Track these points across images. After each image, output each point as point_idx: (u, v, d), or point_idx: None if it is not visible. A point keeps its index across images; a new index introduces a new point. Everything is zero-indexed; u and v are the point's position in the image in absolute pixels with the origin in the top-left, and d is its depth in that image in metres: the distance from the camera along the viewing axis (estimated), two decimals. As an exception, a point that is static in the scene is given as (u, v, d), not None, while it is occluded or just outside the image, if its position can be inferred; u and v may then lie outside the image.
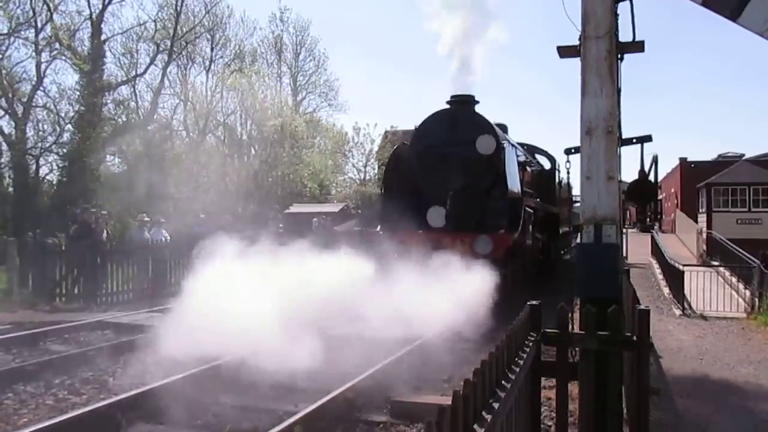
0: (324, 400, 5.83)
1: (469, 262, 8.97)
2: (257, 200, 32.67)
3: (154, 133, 32.44)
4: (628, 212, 46.33)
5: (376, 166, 37.89)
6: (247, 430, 5.71)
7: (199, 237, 14.79)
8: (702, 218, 30.37)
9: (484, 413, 2.47)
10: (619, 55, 5.40)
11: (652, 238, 23.08)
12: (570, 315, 7.22)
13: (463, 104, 12.27)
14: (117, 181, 29.67)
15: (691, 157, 38.63)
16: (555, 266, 16.90)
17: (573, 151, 11.84)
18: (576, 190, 16.02)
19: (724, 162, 35.45)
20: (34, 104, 28.38)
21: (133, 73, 32.21)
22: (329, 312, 7.89)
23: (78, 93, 29.34)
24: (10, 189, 27.73)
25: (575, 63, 5.40)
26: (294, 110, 38.10)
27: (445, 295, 7.90)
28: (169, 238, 15.40)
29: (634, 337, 4.08)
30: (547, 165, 17.39)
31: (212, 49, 35.55)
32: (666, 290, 15.71)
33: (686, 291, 13.72)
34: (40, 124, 29.24)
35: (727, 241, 19.53)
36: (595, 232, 4.94)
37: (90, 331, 10.59)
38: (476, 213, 11.68)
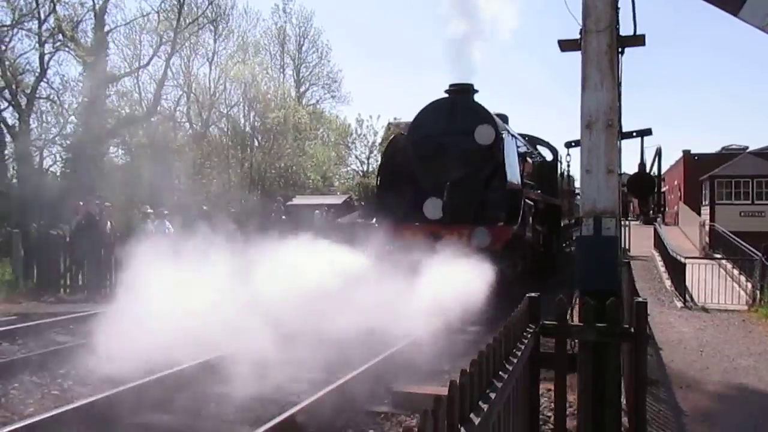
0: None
1: (467, 255, 8.72)
2: (260, 192, 32.76)
3: (158, 125, 32.47)
4: (631, 204, 46.35)
5: (379, 158, 37.89)
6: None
7: (202, 229, 14.88)
8: (705, 211, 30.37)
9: (480, 403, 2.51)
10: (619, 49, 5.42)
11: (655, 230, 23.08)
12: (571, 307, 7.32)
13: (461, 93, 11.99)
14: (120, 172, 29.77)
15: (695, 150, 38.62)
16: (557, 259, 16.63)
17: (573, 144, 11.84)
18: (578, 183, 15.79)
19: (727, 154, 35.40)
20: (37, 96, 28.36)
21: (137, 64, 32.18)
22: (309, 309, 7.58)
23: (81, 84, 29.36)
24: (14, 180, 27.80)
25: (578, 56, 5.44)
26: (297, 102, 38.09)
27: (440, 290, 7.66)
28: (172, 229, 15.46)
29: (632, 329, 4.11)
30: (549, 156, 17.06)
31: (215, 41, 35.50)
32: (668, 282, 15.74)
33: (688, 283, 13.76)
34: (44, 116, 29.31)
35: (730, 234, 19.53)
36: (595, 225, 4.98)
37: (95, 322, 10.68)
38: (474, 205, 11.44)
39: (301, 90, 42.83)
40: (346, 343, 7.44)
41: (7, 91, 27.22)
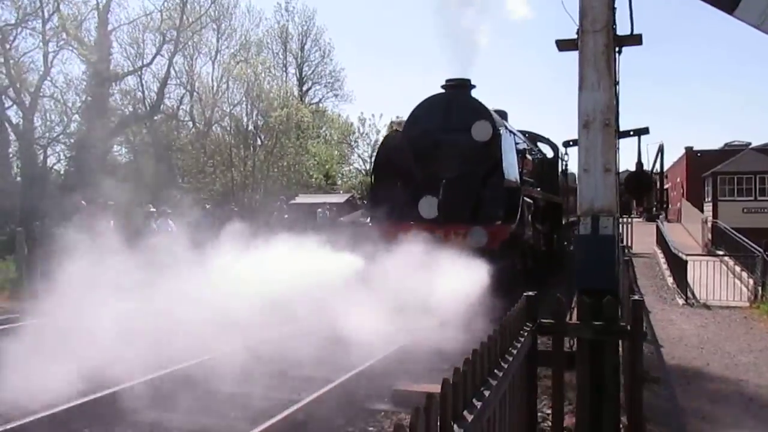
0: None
1: (463, 255, 8.44)
2: (263, 191, 32.82)
3: (161, 124, 32.56)
4: (634, 202, 46.32)
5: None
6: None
7: (204, 227, 14.95)
8: (708, 207, 30.33)
9: (474, 401, 2.55)
10: (617, 48, 5.45)
11: (657, 227, 23.09)
12: (571, 306, 7.36)
13: (458, 88, 11.68)
14: (124, 171, 29.86)
15: (698, 146, 38.57)
16: (558, 258, 16.46)
17: (571, 143, 11.81)
18: (579, 181, 15.56)
19: (730, 151, 35.35)
20: (41, 94, 28.50)
21: (140, 63, 32.29)
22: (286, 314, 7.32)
23: (85, 83, 29.49)
24: (18, 179, 27.93)
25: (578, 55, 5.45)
26: (299, 100, 38.15)
27: (433, 291, 7.39)
28: (174, 228, 15.52)
29: (628, 327, 4.16)
30: (550, 153, 16.77)
31: (218, 40, 35.62)
32: (670, 280, 15.78)
33: (690, 280, 13.79)
34: (48, 114, 29.43)
35: (732, 230, 19.53)
36: (593, 223, 5.00)
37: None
38: (471, 203, 11.15)
39: (304, 89, 42.96)
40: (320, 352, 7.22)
41: (11, 89, 27.34)
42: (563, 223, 16.62)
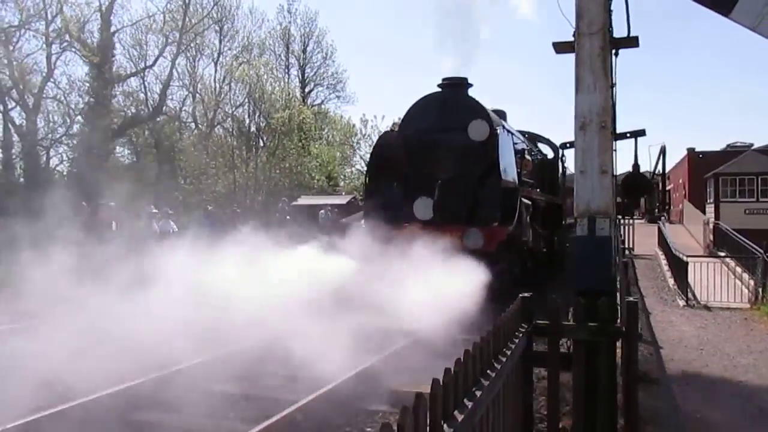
0: None
1: (459, 257, 8.15)
2: (265, 192, 32.90)
3: (163, 125, 32.65)
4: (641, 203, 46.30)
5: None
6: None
7: (206, 228, 15.00)
8: (710, 209, 30.30)
9: (465, 401, 2.58)
10: (613, 51, 5.48)
11: (659, 229, 23.07)
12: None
13: (455, 87, 11.45)
14: (126, 172, 29.95)
15: (700, 148, 38.53)
16: (559, 260, 16.28)
17: (568, 145, 11.79)
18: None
19: (732, 152, 35.29)
20: (44, 96, 28.66)
21: (142, 64, 32.47)
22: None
23: (88, 85, 29.60)
24: (21, 179, 28.03)
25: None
26: (302, 102, 38.22)
27: (425, 294, 7.07)
28: (176, 229, 15.59)
29: (623, 328, 4.18)
30: (550, 154, 16.58)
31: (221, 41, 35.77)
32: (671, 281, 15.76)
33: (691, 282, 13.77)
34: (51, 116, 29.59)
35: (733, 232, 19.49)
36: (589, 225, 5.04)
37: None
38: (467, 204, 10.92)
39: (306, 90, 43.00)
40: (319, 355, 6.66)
41: (14, 90, 27.46)
42: (564, 224, 16.46)
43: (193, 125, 35.50)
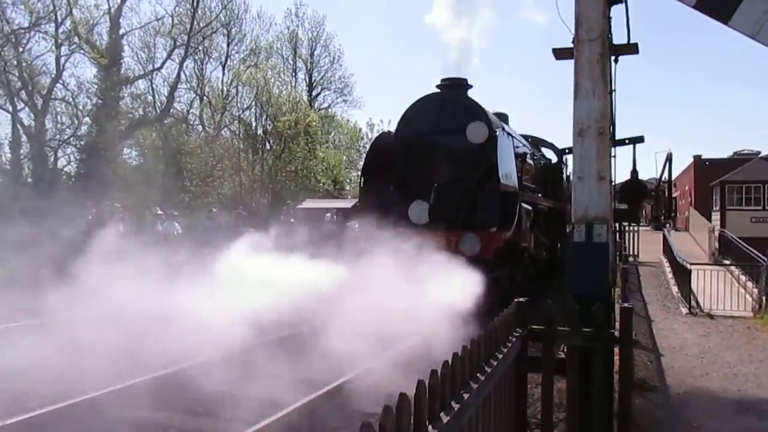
0: None
1: (453, 263, 7.73)
2: (271, 195, 33.00)
3: (170, 127, 32.81)
4: (643, 210, 46.19)
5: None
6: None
7: (211, 230, 15.07)
8: (716, 216, 30.21)
9: (453, 403, 2.59)
10: (613, 57, 5.50)
11: (664, 236, 23.01)
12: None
13: (453, 88, 11.11)
14: (133, 174, 30.11)
15: (708, 155, 38.43)
16: (561, 268, 15.87)
17: (567, 151, 11.72)
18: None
19: (739, 160, 35.18)
20: (53, 97, 28.84)
21: (150, 67, 32.65)
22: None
23: (96, 86, 29.77)
24: (29, 180, 28.19)
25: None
26: (308, 105, 38.34)
27: (413, 304, 6.61)
28: (180, 231, 15.67)
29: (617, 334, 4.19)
30: (554, 159, 16.12)
31: (228, 45, 35.91)
32: (675, 289, 15.71)
33: (695, 289, 13.73)
34: (59, 117, 29.72)
35: (738, 240, 19.44)
36: (586, 231, 5.05)
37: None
38: (464, 209, 10.55)
39: (314, 94, 43.11)
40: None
41: (23, 91, 27.65)
42: (567, 231, 16.22)
43: (200, 128, 35.66)
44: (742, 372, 8.23)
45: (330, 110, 43.76)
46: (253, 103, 35.05)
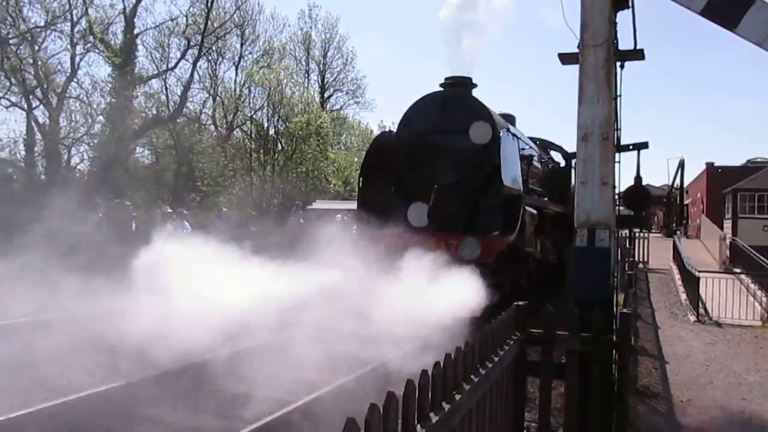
0: None
1: (453, 268, 7.24)
2: (281, 195, 33.12)
3: (183, 127, 33.02)
4: (655, 217, 45.93)
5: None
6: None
7: (220, 230, 15.16)
8: (728, 224, 29.98)
9: (444, 404, 2.61)
10: (619, 63, 5.50)
11: (674, 243, 22.88)
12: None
13: (457, 87, 10.79)
14: (145, 172, 30.32)
15: (721, 162, 38.17)
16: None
17: (572, 155, 11.61)
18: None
19: (752, 167, 34.91)
20: (67, 95, 29.06)
21: (164, 67, 32.84)
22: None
23: (110, 85, 30.01)
24: (42, 177, 28.46)
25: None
26: (320, 107, 38.46)
27: (406, 311, 6.02)
28: (190, 229, 15.76)
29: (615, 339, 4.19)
30: (563, 163, 15.80)
31: (242, 45, 36.10)
32: (683, 296, 15.63)
33: (705, 297, 13.65)
34: (73, 115, 29.95)
35: (749, 248, 19.29)
36: (589, 236, 5.05)
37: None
38: (465, 211, 10.18)
39: (326, 95, 43.26)
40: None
41: (38, 89, 27.93)
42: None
43: (212, 127, 35.87)
44: (747, 381, 8.18)
45: (342, 112, 43.93)
46: (266, 104, 35.23)
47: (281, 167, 34.26)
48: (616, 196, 5.51)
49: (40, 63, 27.74)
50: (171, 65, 32.79)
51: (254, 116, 35.69)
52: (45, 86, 27.89)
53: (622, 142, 6.29)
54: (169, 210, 16.98)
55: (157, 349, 5.60)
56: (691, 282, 14.69)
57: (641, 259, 22.54)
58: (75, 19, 28.71)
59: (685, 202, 41.85)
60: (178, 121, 32.88)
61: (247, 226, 18.00)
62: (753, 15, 4.78)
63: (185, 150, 32.04)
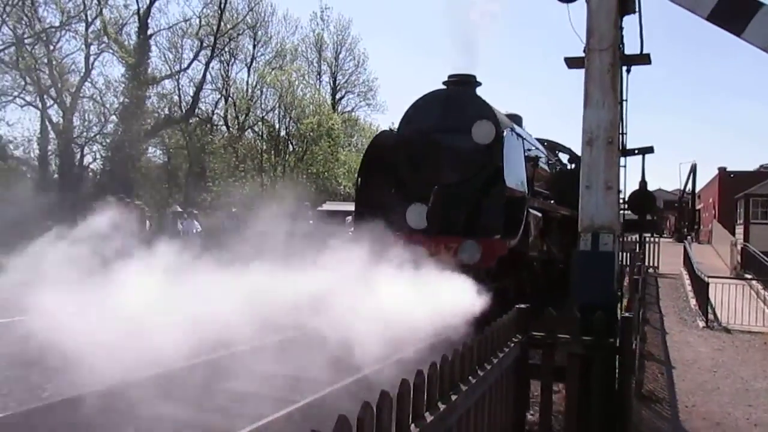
0: None
1: (452, 273, 6.87)
2: (292, 197, 33.24)
3: (195, 127, 33.24)
4: (667, 221, 45.72)
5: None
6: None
7: (230, 230, 15.24)
8: (739, 230, 29.72)
9: (440, 404, 2.63)
10: (625, 67, 5.51)
11: (684, 248, 22.74)
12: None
13: (460, 85, 10.48)
14: (157, 172, 30.54)
15: (733, 167, 37.90)
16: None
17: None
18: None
19: (765, 173, 34.62)
20: (81, 95, 29.38)
21: (177, 67, 33.14)
22: None
23: (123, 85, 30.28)
24: (56, 176, 28.74)
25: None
26: (331, 108, 38.58)
27: (396, 318, 5.41)
28: (200, 229, 15.89)
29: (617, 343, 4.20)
30: (572, 165, 15.24)
31: (254, 47, 36.33)
32: (693, 301, 15.53)
33: (714, 303, 13.57)
34: (86, 115, 30.26)
35: (761, 254, 19.13)
36: (593, 240, 5.06)
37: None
38: (466, 213, 9.89)
39: (337, 97, 43.39)
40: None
41: (53, 89, 28.22)
42: None
43: (224, 128, 36.08)
44: (754, 387, 8.14)
45: (353, 114, 44.05)
46: (277, 105, 35.41)
47: (292, 168, 34.40)
48: (622, 201, 5.53)
49: (54, 63, 28.05)
50: (184, 66, 33.17)
51: (266, 117, 35.88)
52: (59, 86, 28.19)
53: (630, 147, 6.33)
54: (180, 210, 17.10)
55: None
56: (700, 287, 14.61)
57: (651, 264, 22.42)
58: (89, 19, 29.07)
59: (697, 207, 41.61)
60: (191, 121, 33.13)
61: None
62: (759, 20, 4.78)
63: (197, 150, 32.26)
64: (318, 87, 40.28)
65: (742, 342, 11.22)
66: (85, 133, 29.86)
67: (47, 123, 28.47)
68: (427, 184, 9.94)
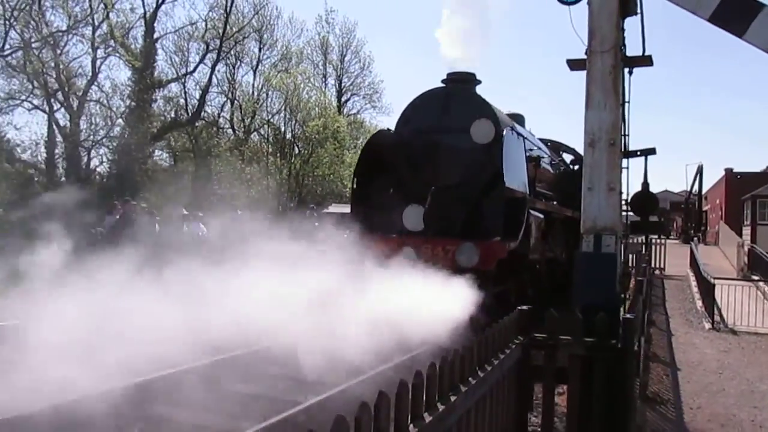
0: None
1: (449, 276, 6.64)
2: (298, 199, 33.32)
3: (201, 130, 33.35)
4: (674, 223, 45.54)
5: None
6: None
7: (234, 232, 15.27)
8: (746, 231, 29.62)
9: (439, 404, 2.65)
10: (627, 69, 5.52)
11: (691, 250, 22.68)
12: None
13: (460, 83, 10.25)
14: (163, 175, 30.65)
15: (740, 168, 37.76)
16: None
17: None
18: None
19: (772, 174, 34.54)
20: (88, 98, 29.54)
21: (183, 71, 33.26)
22: None
23: (130, 89, 30.43)
24: (62, 179, 28.88)
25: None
26: (337, 111, 38.63)
27: (389, 325, 5.34)
28: (205, 231, 15.92)
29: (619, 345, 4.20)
30: (576, 166, 14.85)
31: (260, 50, 36.42)
32: (699, 303, 15.49)
33: (721, 305, 13.52)
34: (93, 118, 30.42)
35: (767, 255, 19.08)
36: (595, 241, 5.07)
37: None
38: (465, 215, 9.66)
39: (343, 100, 43.44)
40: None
41: (60, 93, 28.39)
42: None
43: (230, 131, 36.20)
44: (760, 389, 8.10)
45: (359, 116, 44.08)
46: (283, 108, 35.49)
47: (297, 171, 34.48)
48: (624, 202, 5.53)
49: (61, 66, 28.21)
50: (190, 69, 33.28)
51: (271, 120, 35.97)
52: (66, 89, 28.36)
53: (633, 148, 6.34)
54: (185, 212, 17.15)
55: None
56: (706, 289, 14.57)
57: (658, 266, 22.37)
58: (96, 23, 29.24)
59: (704, 209, 41.45)
60: (197, 124, 33.25)
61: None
62: (761, 22, 4.78)
63: (203, 153, 32.37)
64: (324, 89, 40.36)
65: (749, 344, 11.18)
66: (91, 137, 30.01)
67: (54, 126, 28.62)
68: (426, 184, 9.76)
